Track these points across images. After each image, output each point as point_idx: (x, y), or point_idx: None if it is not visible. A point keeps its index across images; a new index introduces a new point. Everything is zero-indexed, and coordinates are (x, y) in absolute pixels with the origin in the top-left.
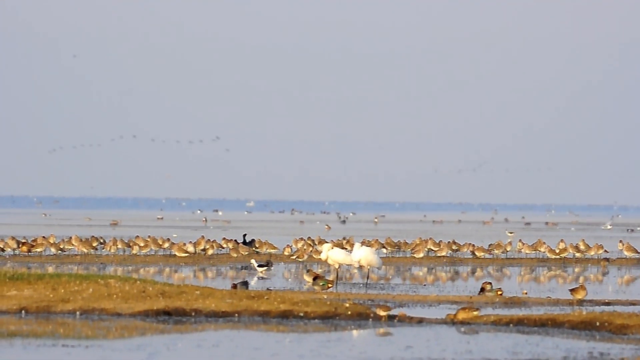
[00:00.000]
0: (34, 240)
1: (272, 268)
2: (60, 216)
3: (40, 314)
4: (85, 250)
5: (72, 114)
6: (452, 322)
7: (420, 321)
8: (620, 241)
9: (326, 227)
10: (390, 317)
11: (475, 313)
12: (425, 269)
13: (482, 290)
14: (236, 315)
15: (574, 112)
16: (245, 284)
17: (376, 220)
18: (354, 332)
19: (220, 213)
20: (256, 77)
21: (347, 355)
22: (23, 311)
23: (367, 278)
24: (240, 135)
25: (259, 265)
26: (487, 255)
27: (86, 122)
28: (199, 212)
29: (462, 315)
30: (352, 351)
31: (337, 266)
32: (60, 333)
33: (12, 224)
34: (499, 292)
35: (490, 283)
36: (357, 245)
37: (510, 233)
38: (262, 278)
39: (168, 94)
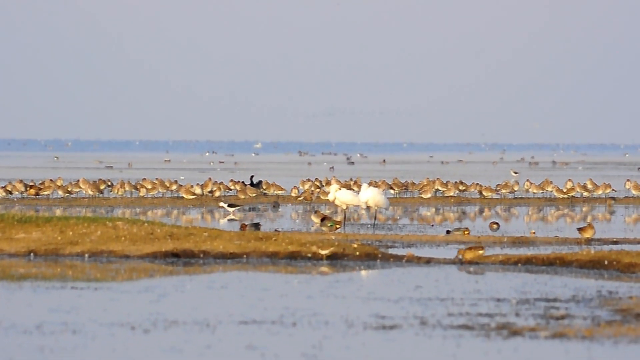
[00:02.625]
0: (42, 183)
1: (279, 209)
2: (70, 159)
3: (48, 257)
4: (93, 193)
5: None
6: (459, 262)
7: (429, 261)
8: (628, 180)
9: (330, 168)
10: (329, 257)
11: (480, 252)
12: (432, 209)
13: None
14: (244, 256)
15: (577, 51)
16: (256, 225)
17: (384, 161)
18: (362, 272)
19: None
20: (265, 17)
21: (356, 296)
22: (32, 254)
23: (375, 219)
24: (249, 75)
25: (229, 206)
26: (494, 195)
27: None
28: (207, 154)
29: (469, 255)
30: (360, 291)
31: (344, 207)
32: (69, 275)
33: (20, 167)
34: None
35: (497, 223)
36: (364, 186)
37: (515, 173)
38: (233, 220)
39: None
